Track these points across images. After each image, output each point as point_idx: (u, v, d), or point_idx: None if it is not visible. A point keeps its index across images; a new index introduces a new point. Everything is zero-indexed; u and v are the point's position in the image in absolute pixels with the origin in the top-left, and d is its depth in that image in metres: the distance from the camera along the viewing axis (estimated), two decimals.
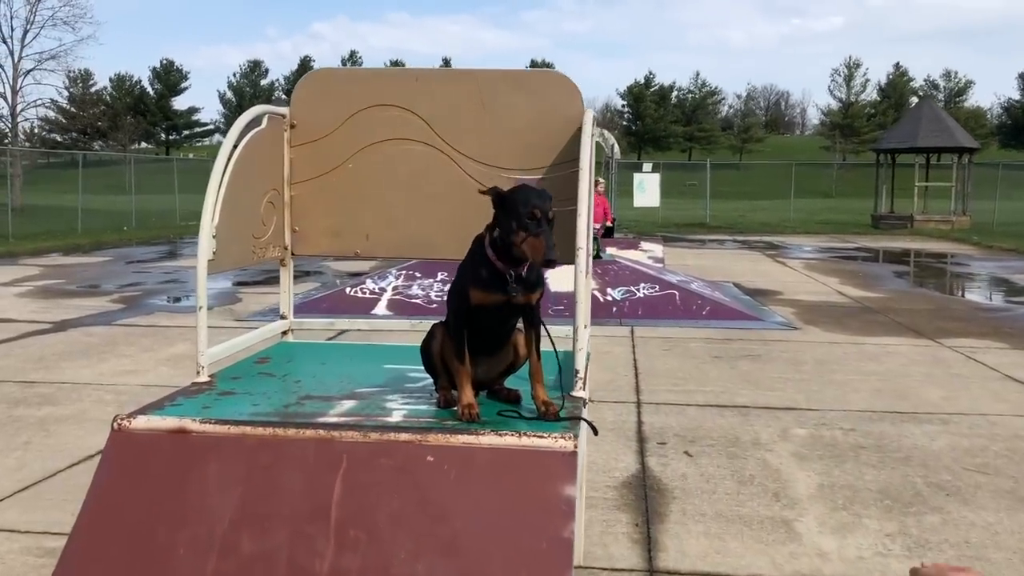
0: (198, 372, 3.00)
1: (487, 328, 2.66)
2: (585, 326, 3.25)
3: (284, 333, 3.78)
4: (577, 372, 2.86)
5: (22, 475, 5.00)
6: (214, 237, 2.99)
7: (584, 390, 2.86)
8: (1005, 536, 4.28)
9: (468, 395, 2.59)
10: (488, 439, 2.39)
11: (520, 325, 2.76)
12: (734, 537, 4.23)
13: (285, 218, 3.64)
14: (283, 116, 3.58)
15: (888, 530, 4.34)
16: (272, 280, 15.33)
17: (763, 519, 4.46)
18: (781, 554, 4.04)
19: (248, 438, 2.45)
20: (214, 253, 2.99)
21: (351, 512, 2.29)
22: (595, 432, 2.64)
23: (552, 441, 2.37)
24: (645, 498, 4.74)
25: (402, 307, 11.32)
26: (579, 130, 3.28)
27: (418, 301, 11.52)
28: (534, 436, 2.39)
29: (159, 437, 2.49)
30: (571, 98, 3.48)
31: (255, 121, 3.38)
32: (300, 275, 15.04)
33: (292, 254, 3.71)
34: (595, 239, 13.86)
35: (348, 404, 2.76)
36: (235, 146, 3.20)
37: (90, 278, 15.75)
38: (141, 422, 2.53)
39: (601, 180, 16.01)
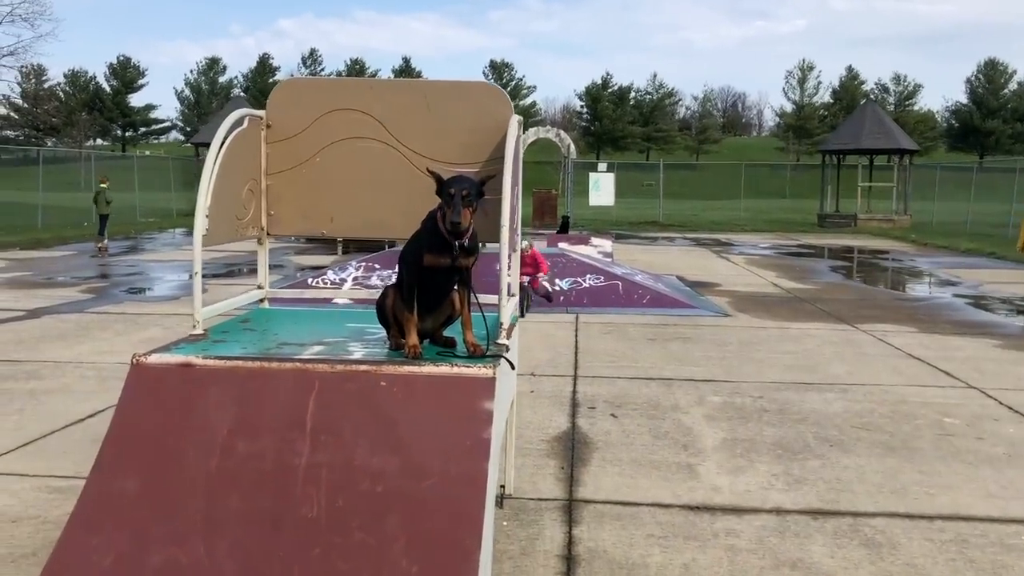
0: (194, 326, 3.67)
1: (432, 286, 3.38)
2: (512, 293, 3.99)
3: (261, 301, 4.46)
4: (501, 324, 3.58)
5: (21, 434, 5.61)
6: (207, 217, 3.66)
7: (508, 339, 3.59)
8: (870, 474, 5.10)
9: (414, 338, 3.31)
10: (428, 369, 3.12)
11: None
12: (644, 476, 5.00)
13: (262, 203, 4.32)
14: (260, 118, 4.26)
15: (775, 471, 5.14)
16: (233, 273, 15.90)
17: (670, 464, 5.23)
18: (681, 488, 4.82)
19: (240, 370, 3.14)
20: (207, 229, 3.67)
21: (322, 422, 3.00)
22: (512, 367, 3.37)
23: (476, 370, 3.10)
24: (572, 448, 5.50)
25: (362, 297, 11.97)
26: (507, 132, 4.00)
27: (377, 291, 12.17)
28: (463, 366, 3.12)
29: (169, 369, 3.17)
30: (502, 106, 4.20)
31: (238, 121, 4.06)
32: None
33: (268, 234, 4.39)
34: (522, 292, 12.29)
35: (318, 348, 3.46)
36: (221, 144, 3.88)
37: (57, 271, 16.18)
38: (155, 358, 3.21)
39: (529, 242, 12.54)
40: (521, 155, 4.36)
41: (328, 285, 12.61)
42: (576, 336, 9.56)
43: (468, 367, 3.12)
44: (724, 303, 12.39)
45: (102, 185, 22.55)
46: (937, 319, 11.27)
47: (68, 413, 6.08)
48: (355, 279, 12.74)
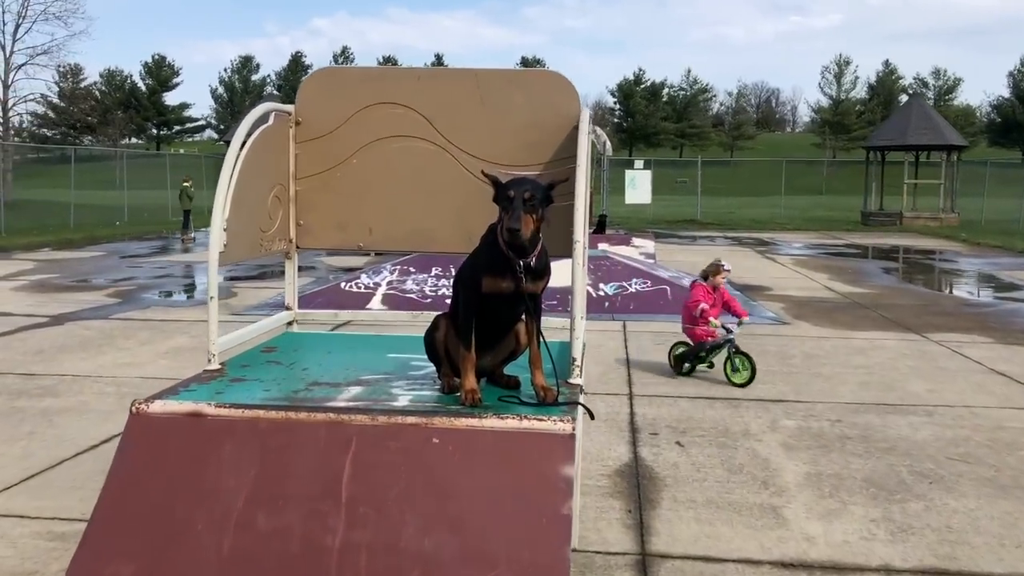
0: (209, 360, 3.11)
1: (493, 316, 2.78)
2: (582, 317, 3.37)
3: (289, 324, 3.89)
4: (574, 360, 2.98)
5: (28, 464, 5.09)
6: (225, 230, 3.10)
7: (580, 377, 2.99)
8: (985, 522, 4.42)
9: (471, 381, 2.71)
10: (490, 422, 2.52)
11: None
12: (724, 523, 4.37)
13: (290, 212, 3.75)
14: (289, 113, 3.69)
15: (873, 516, 4.48)
16: (265, 275, 15.43)
17: (752, 506, 4.59)
18: (769, 539, 4.18)
19: (261, 421, 2.57)
20: (225, 246, 3.10)
21: (361, 491, 2.42)
22: (592, 416, 2.77)
23: (551, 424, 2.50)
24: (638, 486, 4.88)
25: (396, 301, 11.43)
26: (575, 128, 3.39)
27: (412, 296, 11.64)
28: (534, 419, 2.52)
29: (176, 420, 2.60)
30: (568, 97, 3.60)
31: (262, 118, 3.49)
32: None
33: (297, 247, 3.82)
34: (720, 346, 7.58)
35: (355, 390, 2.88)
36: (242, 144, 3.31)
37: (84, 272, 15.81)
38: (158, 406, 2.64)
39: (727, 268, 7.84)
40: (591, 155, 3.75)
41: (362, 289, 12.08)
42: (626, 347, 8.92)
43: (541, 419, 2.52)
44: (779, 309, 11.69)
45: (185, 184, 24.88)
46: (1011, 328, 10.48)
47: (81, 438, 5.56)
48: (389, 283, 12.18)
